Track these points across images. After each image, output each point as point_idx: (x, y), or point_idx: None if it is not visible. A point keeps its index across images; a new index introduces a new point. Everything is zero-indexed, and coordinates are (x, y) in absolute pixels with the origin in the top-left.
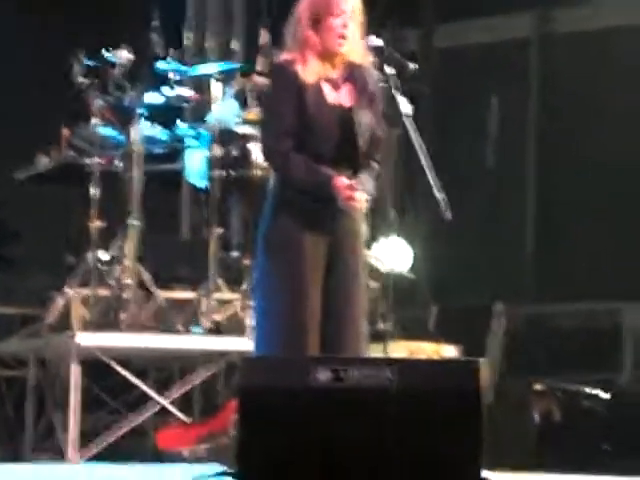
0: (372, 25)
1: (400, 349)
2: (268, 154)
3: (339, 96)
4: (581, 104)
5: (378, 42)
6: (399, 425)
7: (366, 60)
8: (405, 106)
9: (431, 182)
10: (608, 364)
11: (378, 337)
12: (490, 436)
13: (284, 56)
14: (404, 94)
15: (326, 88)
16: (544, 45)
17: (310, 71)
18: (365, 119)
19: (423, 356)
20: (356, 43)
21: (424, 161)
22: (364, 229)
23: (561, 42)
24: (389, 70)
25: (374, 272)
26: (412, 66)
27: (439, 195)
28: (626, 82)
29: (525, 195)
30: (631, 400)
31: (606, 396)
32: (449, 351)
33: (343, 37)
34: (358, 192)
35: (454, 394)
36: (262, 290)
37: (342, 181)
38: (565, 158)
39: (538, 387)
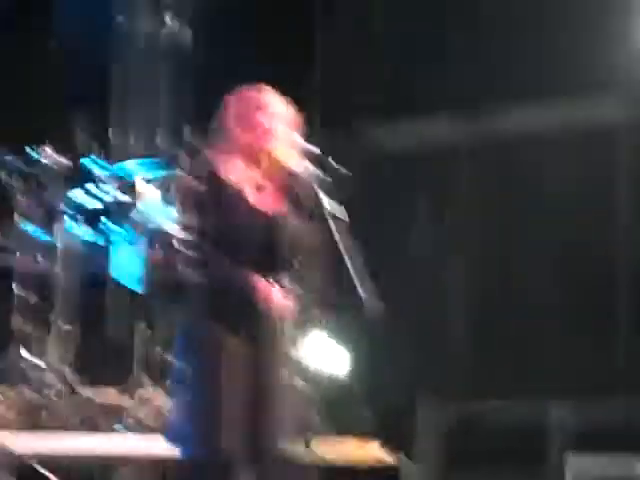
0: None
1: (325, 445)
2: (188, 259)
3: (263, 199)
4: (512, 205)
5: (311, 146)
6: None
7: (294, 162)
8: (334, 208)
9: (355, 282)
10: (538, 459)
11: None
12: None
13: (210, 154)
14: (335, 199)
15: (249, 191)
16: (471, 150)
17: (234, 172)
18: (291, 223)
19: (347, 452)
20: (285, 146)
21: (349, 263)
22: (288, 329)
23: (488, 147)
24: (320, 174)
25: (303, 372)
26: (345, 172)
27: (363, 294)
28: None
29: (458, 290)
30: None
31: None
32: (373, 448)
33: (270, 135)
34: (277, 293)
35: None
36: (185, 390)
37: (264, 284)
38: (499, 257)
39: None
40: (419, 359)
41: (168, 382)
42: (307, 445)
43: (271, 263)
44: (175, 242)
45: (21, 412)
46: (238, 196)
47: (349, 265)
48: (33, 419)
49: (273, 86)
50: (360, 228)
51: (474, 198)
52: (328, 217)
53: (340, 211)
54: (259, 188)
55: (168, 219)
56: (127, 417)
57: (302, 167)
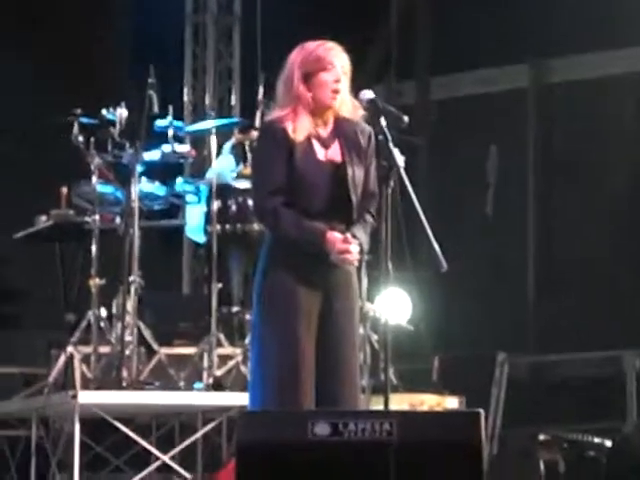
0: (368, 80)
1: (402, 402)
2: (258, 212)
3: (330, 152)
4: (580, 153)
5: (370, 95)
6: (399, 478)
7: (357, 115)
8: (399, 158)
9: (428, 233)
10: (612, 412)
11: (380, 390)
12: None
13: (276, 113)
14: (397, 146)
15: (316, 145)
16: (540, 94)
17: (301, 128)
18: (357, 174)
19: (425, 408)
20: (347, 98)
21: (420, 212)
22: (358, 282)
23: (556, 91)
24: (383, 122)
25: (374, 324)
26: (405, 118)
27: (436, 245)
28: (621, 130)
29: (526, 243)
30: (636, 448)
31: (609, 445)
32: (452, 403)
33: (336, 91)
34: (351, 246)
35: (455, 446)
36: (258, 344)
37: (334, 235)
38: (566, 207)
39: (542, 437)
40: (489, 312)
41: (245, 341)
42: (385, 402)
43: (342, 214)
44: (246, 197)
45: (100, 370)
46: (306, 150)
47: (422, 218)
48: (112, 377)
49: (345, 41)
50: (429, 177)
51: (541, 148)
52: (401, 170)
53: (404, 161)
54: (325, 142)
55: (241, 177)
56: (207, 376)
57: (370, 120)
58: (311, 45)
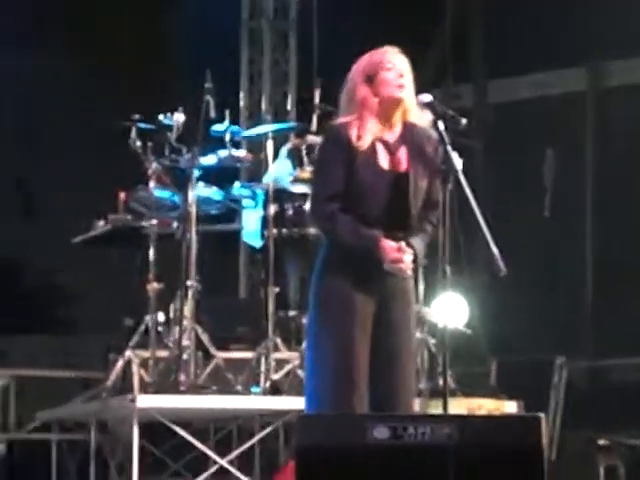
0: (426, 84)
1: (460, 406)
2: (315, 216)
3: (394, 159)
4: (638, 155)
5: (428, 98)
6: None
7: (424, 120)
8: (457, 161)
9: (486, 237)
10: None
11: (438, 394)
12: None
13: (341, 119)
14: (455, 149)
15: (380, 151)
16: (598, 98)
17: (366, 133)
18: (420, 183)
19: (483, 413)
20: (413, 101)
21: (478, 216)
22: (414, 287)
23: (614, 94)
24: (441, 126)
25: (431, 328)
26: (463, 121)
27: (494, 249)
28: None
29: (583, 247)
30: None
31: None
32: (510, 407)
33: (401, 86)
34: (405, 255)
35: (515, 451)
36: (313, 348)
37: (388, 244)
38: (623, 209)
39: (602, 442)
40: (547, 315)
41: (302, 345)
42: (443, 406)
43: (401, 222)
44: (303, 202)
45: (158, 374)
46: (369, 157)
47: (481, 222)
48: (170, 381)
49: (401, 45)
50: (487, 180)
51: (599, 152)
52: (459, 173)
53: (461, 164)
54: (391, 149)
55: (297, 181)
56: (265, 380)
57: (431, 125)
58: (369, 53)
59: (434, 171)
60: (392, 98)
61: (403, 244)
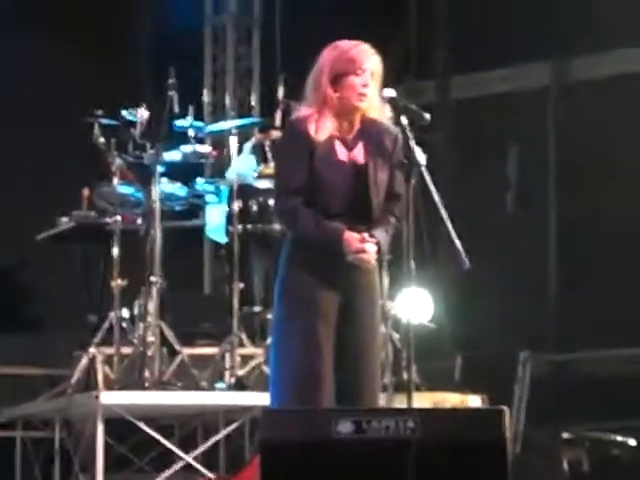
0: (389, 79)
1: (425, 400)
2: (278, 212)
3: (352, 153)
4: (601, 149)
5: (391, 93)
6: (422, 476)
7: (383, 116)
8: (420, 156)
9: (449, 231)
10: (636, 411)
11: (402, 388)
12: None
13: (302, 111)
14: (419, 144)
15: (338, 146)
16: (561, 93)
17: (323, 128)
18: (380, 175)
19: (447, 407)
20: (374, 101)
21: (442, 211)
22: (378, 281)
23: (578, 89)
24: (404, 120)
25: (396, 323)
26: (427, 116)
27: (457, 244)
28: None
29: (547, 241)
30: None
31: (634, 443)
32: (475, 402)
33: (364, 95)
34: (367, 245)
35: (479, 444)
36: (278, 343)
37: (351, 235)
38: (587, 203)
39: (566, 436)
40: (511, 310)
41: (267, 341)
42: (407, 400)
43: (362, 215)
44: (267, 197)
45: (123, 371)
46: (327, 150)
47: (444, 216)
48: (134, 378)
49: (365, 40)
50: (450, 176)
51: (562, 146)
52: (422, 168)
53: (425, 159)
54: (349, 144)
55: (261, 177)
56: (230, 376)
57: (394, 120)
58: (344, 45)
59: (394, 164)
60: (352, 105)
61: (366, 235)
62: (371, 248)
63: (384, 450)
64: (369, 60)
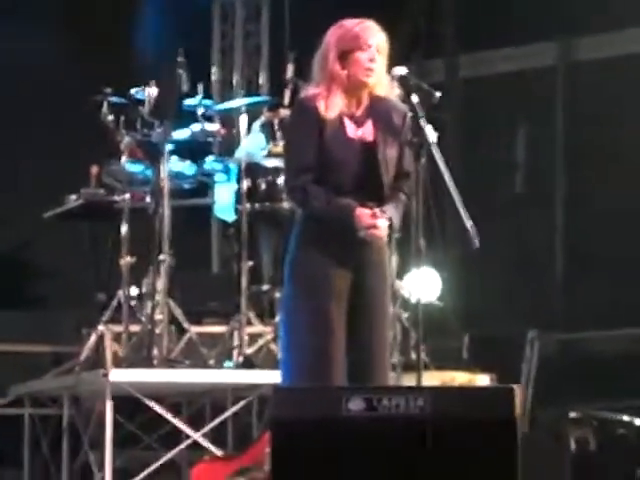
0: (397, 58)
1: (433, 379)
2: (288, 189)
3: (362, 131)
4: (608, 129)
5: (402, 71)
6: (432, 454)
7: (391, 93)
8: (431, 134)
9: (459, 210)
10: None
11: (411, 368)
12: (525, 464)
13: (310, 90)
14: (429, 122)
15: (348, 123)
16: (568, 72)
17: (333, 106)
18: (390, 153)
19: (448, 380)
20: (382, 77)
21: (452, 189)
22: (389, 259)
23: (585, 68)
24: (414, 99)
25: (404, 302)
26: (437, 94)
27: (467, 223)
28: None
29: (554, 221)
30: None
31: None
32: (483, 380)
33: (370, 70)
34: (379, 220)
35: (488, 422)
36: (288, 322)
37: (362, 210)
38: (595, 183)
39: (573, 414)
40: (519, 289)
41: (275, 319)
42: (417, 379)
43: (373, 192)
44: (276, 176)
45: (131, 349)
46: (336, 128)
47: (454, 195)
48: (143, 355)
49: (374, 19)
50: (457, 155)
51: (570, 126)
52: (432, 146)
53: (436, 137)
54: (358, 121)
55: (270, 156)
56: (238, 354)
57: (404, 97)
58: (349, 23)
59: (403, 142)
60: (359, 81)
61: (377, 210)
62: (383, 224)
63: (394, 428)
64: (374, 36)
